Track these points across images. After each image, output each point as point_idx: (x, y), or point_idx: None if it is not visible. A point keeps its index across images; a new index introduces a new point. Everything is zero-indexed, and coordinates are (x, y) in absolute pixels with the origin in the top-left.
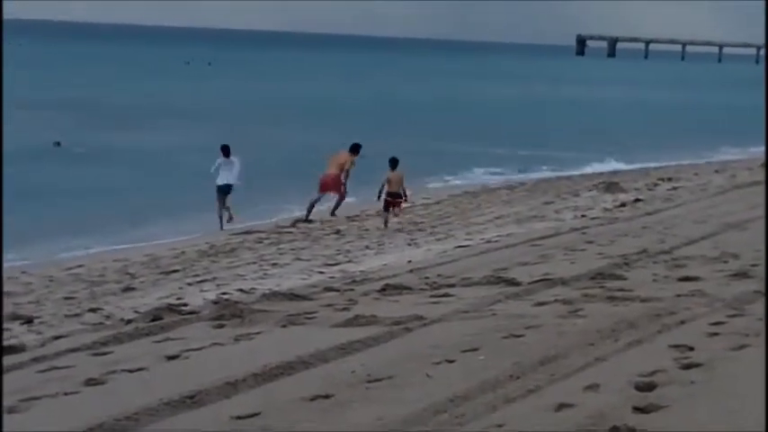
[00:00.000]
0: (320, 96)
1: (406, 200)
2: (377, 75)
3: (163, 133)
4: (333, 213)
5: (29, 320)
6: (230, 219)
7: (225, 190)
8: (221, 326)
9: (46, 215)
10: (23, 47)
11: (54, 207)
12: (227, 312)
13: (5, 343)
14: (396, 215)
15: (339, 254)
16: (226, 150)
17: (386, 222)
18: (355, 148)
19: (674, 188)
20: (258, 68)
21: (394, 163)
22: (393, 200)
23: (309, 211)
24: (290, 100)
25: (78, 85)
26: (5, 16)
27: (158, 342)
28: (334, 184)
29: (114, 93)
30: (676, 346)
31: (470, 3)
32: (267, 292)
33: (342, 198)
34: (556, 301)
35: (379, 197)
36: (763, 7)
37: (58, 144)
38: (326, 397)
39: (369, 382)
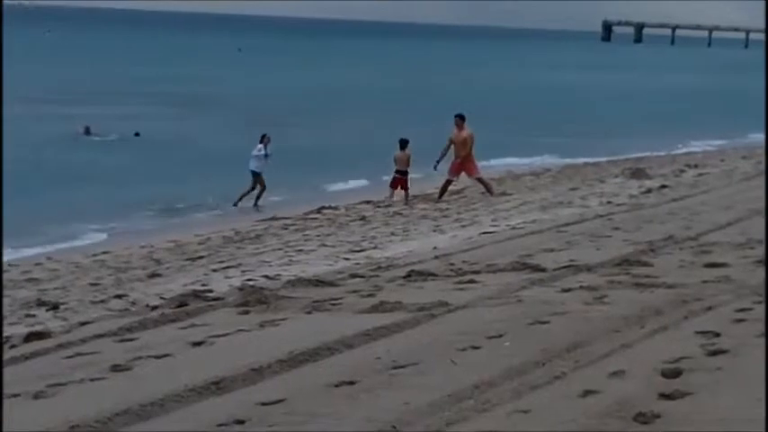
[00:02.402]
0: (361, 85)
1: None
2: (409, 62)
3: (206, 120)
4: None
5: (55, 307)
6: (236, 202)
7: (251, 174)
8: (246, 312)
9: (74, 201)
10: (53, 33)
11: (82, 193)
12: (252, 299)
13: (31, 329)
14: (406, 197)
15: (364, 240)
16: (260, 138)
17: (389, 200)
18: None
19: (701, 174)
20: (291, 56)
21: (402, 143)
22: (399, 178)
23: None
24: (331, 89)
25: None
26: (17, 1)
27: (184, 328)
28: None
29: (159, 79)
30: (702, 333)
31: None
32: (292, 278)
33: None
34: (581, 287)
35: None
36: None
37: (88, 132)
38: (351, 383)
39: (394, 368)
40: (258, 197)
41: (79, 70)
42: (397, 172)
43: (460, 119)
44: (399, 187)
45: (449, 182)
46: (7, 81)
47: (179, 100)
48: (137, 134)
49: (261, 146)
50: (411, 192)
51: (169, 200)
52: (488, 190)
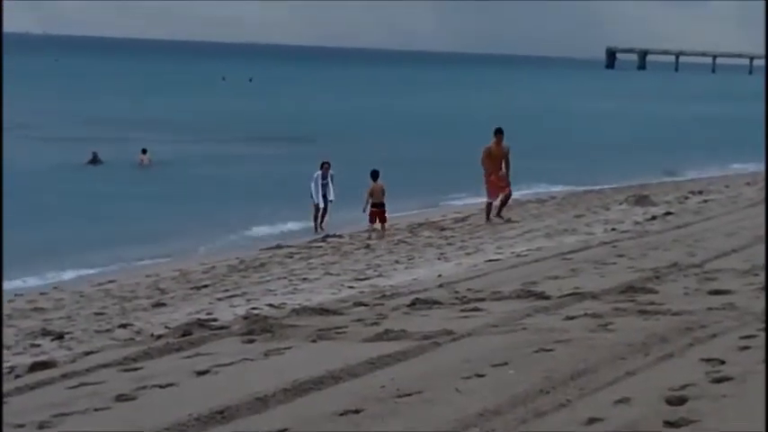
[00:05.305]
0: (377, 109)
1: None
2: (414, 90)
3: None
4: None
5: (60, 336)
6: (316, 229)
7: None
8: (251, 341)
9: (78, 231)
10: (59, 62)
11: (86, 223)
12: (257, 327)
13: (36, 359)
14: (383, 230)
15: (369, 268)
16: (320, 165)
17: (370, 235)
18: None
19: (705, 201)
20: (303, 84)
21: (375, 175)
22: (378, 210)
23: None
24: (350, 113)
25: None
26: (35, 30)
27: (188, 357)
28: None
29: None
30: (707, 360)
31: (498, 17)
32: (297, 307)
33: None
34: (586, 315)
35: (364, 209)
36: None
37: (95, 158)
38: (356, 412)
39: (398, 396)
40: (320, 221)
41: (87, 99)
42: (373, 205)
43: (501, 133)
44: (378, 220)
45: (507, 195)
46: (19, 108)
47: (193, 130)
48: (144, 151)
49: (319, 173)
50: (416, 220)
51: (175, 228)
52: (488, 214)
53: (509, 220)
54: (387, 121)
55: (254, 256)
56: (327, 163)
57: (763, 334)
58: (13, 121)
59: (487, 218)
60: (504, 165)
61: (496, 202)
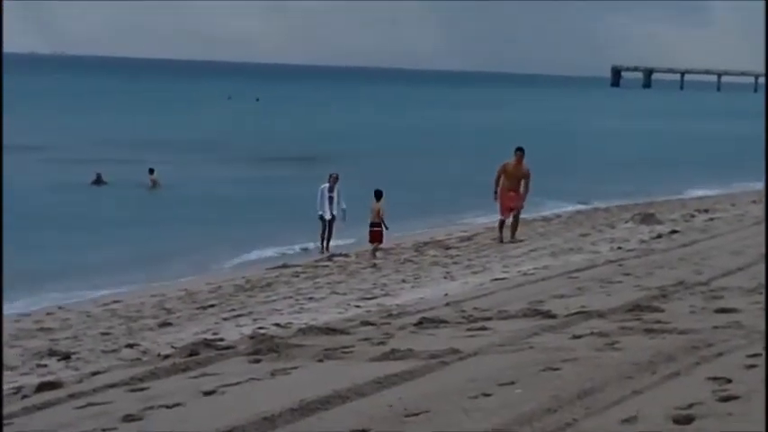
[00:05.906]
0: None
1: (386, 228)
2: (421, 108)
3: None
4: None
5: (66, 356)
6: (321, 249)
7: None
8: (258, 361)
9: (83, 251)
10: (61, 81)
11: (91, 243)
12: (263, 347)
13: (42, 379)
14: (376, 250)
15: (375, 287)
16: (327, 178)
17: (373, 253)
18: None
19: (711, 219)
20: (309, 104)
21: (377, 194)
22: (372, 230)
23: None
24: (362, 132)
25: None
26: (42, 50)
27: (195, 377)
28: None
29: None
30: (714, 379)
31: (502, 35)
32: (304, 326)
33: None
34: (592, 333)
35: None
36: None
37: (99, 179)
38: (363, 431)
39: (405, 416)
40: (326, 240)
41: (92, 119)
42: (370, 225)
43: (521, 152)
44: (378, 240)
45: (516, 216)
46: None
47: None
48: (151, 171)
49: (326, 185)
50: (422, 239)
51: (182, 248)
52: (501, 231)
53: (514, 240)
54: (394, 140)
55: (260, 276)
56: (335, 175)
57: None
58: (18, 142)
59: (500, 235)
60: (523, 185)
61: (509, 221)
